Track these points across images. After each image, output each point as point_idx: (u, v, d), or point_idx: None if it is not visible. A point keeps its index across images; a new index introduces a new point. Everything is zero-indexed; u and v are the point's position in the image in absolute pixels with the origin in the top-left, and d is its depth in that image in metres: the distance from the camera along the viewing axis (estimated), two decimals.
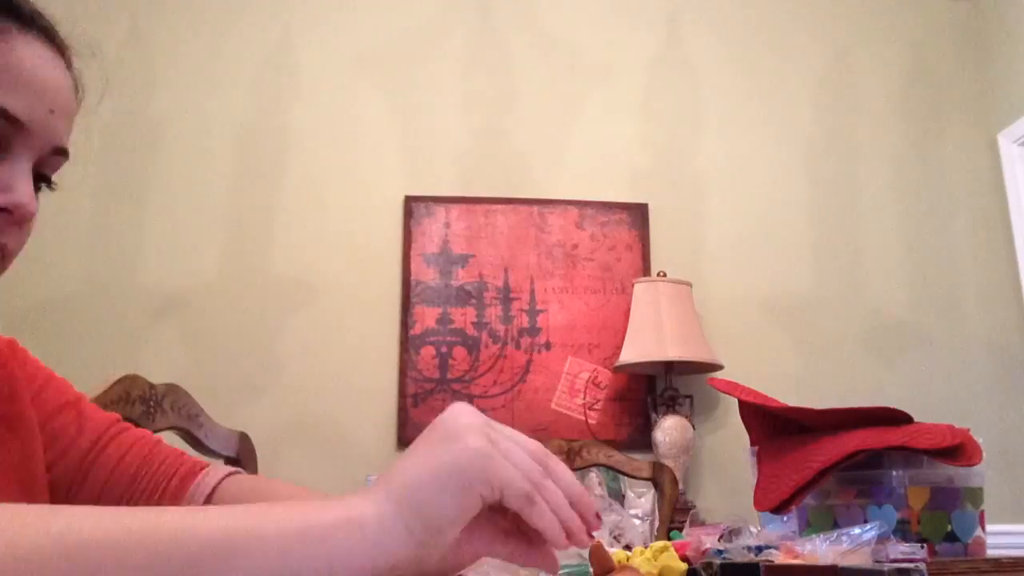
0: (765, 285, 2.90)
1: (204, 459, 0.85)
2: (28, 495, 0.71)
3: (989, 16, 3.17)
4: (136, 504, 0.77)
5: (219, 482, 0.80)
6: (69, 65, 0.67)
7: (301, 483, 2.46)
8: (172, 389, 1.25)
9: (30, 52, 0.62)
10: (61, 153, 0.66)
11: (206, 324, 2.70)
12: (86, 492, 0.77)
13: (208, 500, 0.79)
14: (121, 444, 0.80)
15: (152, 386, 1.21)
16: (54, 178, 0.67)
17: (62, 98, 0.65)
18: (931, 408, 2.60)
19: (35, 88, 0.62)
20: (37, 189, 0.65)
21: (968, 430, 1.00)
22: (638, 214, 2.91)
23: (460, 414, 0.51)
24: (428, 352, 2.74)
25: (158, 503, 0.78)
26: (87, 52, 0.70)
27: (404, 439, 2.65)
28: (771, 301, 2.90)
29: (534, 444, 0.53)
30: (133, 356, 2.61)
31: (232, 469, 0.82)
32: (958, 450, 0.95)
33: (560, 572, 0.78)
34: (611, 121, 3.02)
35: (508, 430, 0.52)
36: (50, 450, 0.76)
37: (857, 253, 2.97)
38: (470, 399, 2.70)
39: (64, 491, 0.76)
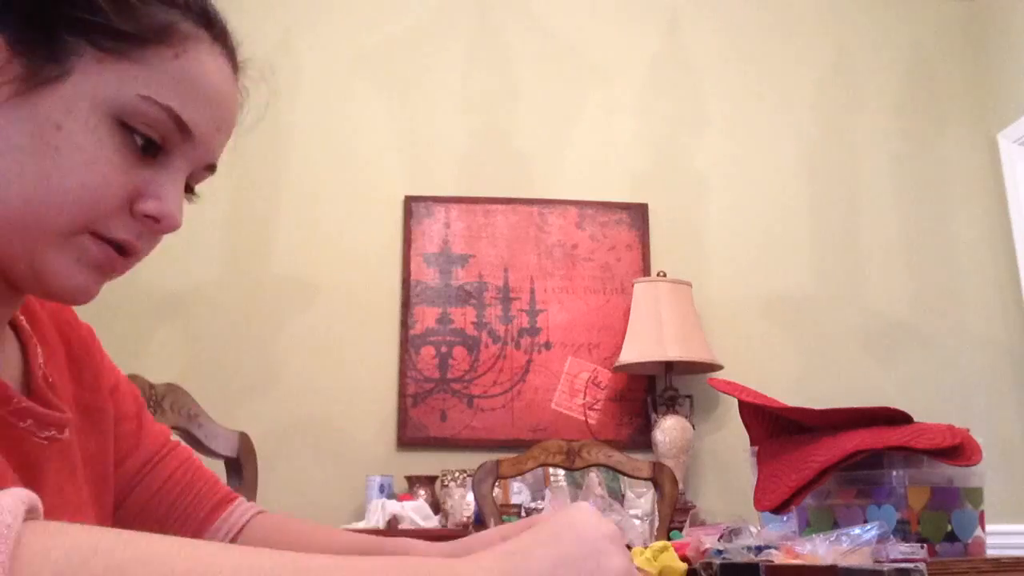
0: (765, 285, 2.90)
1: (234, 492, 0.85)
2: (98, 492, 0.70)
3: (989, 16, 3.17)
4: (171, 528, 0.78)
5: (248, 520, 0.80)
6: (238, 84, 0.68)
7: (301, 483, 2.48)
8: (172, 389, 1.25)
9: (215, 66, 0.63)
10: (211, 168, 0.67)
11: (206, 324, 2.70)
12: (127, 508, 0.77)
13: (236, 538, 0.79)
14: (168, 466, 0.79)
15: (152, 386, 1.21)
16: (212, 182, 0.68)
17: (230, 116, 0.66)
18: (931, 408, 2.60)
19: (211, 102, 0.62)
20: None
21: (968, 430, 1.00)
22: (638, 214, 2.91)
23: (614, 555, 0.46)
24: (428, 352, 2.74)
25: (190, 530, 0.78)
26: (257, 74, 0.71)
27: (404, 439, 2.65)
28: (771, 301, 2.90)
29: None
30: (133, 356, 2.61)
31: (258, 508, 0.82)
32: (958, 450, 0.95)
33: None
34: (611, 121, 3.02)
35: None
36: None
37: (857, 253, 2.97)
38: (470, 399, 2.70)
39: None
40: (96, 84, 0.57)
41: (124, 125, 0.58)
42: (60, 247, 0.57)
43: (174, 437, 0.84)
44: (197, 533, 0.79)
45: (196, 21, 0.62)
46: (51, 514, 0.40)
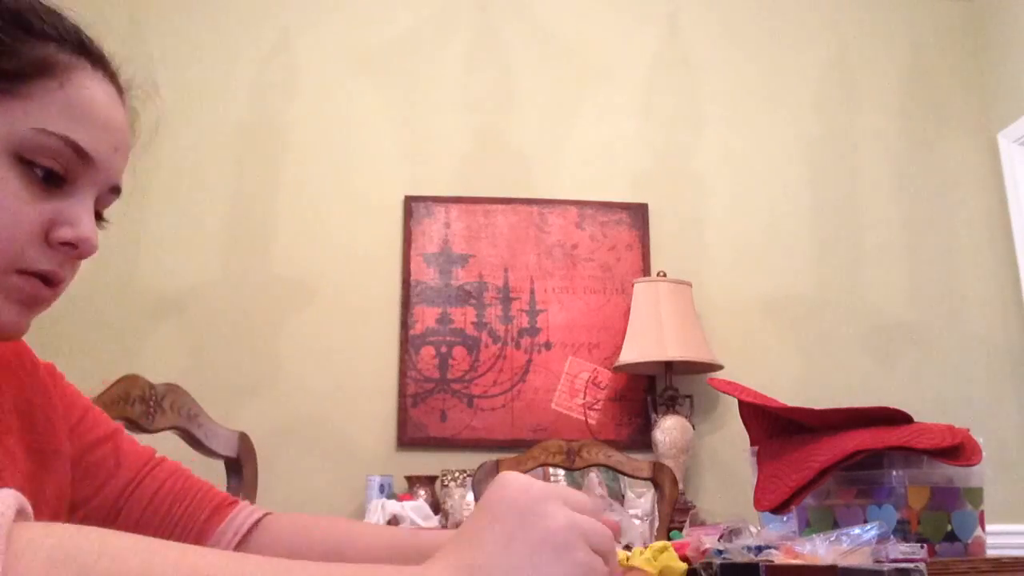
0: (765, 285, 2.90)
1: (233, 497, 0.84)
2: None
3: (989, 16, 3.17)
4: (172, 535, 0.77)
5: (255, 523, 0.80)
6: (126, 105, 0.70)
7: (301, 483, 2.47)
8: (172, 389, 1.25)
9: (100, 90, 0.65)
10: (116, 191, 0.69)
11: (206, 324, 2.70)
12: (121, 524, 0.76)
13: (243, 540, 0.79)
14: (156, 479, 0.80)
15: (152, 386, 1.21)
16: (109, 213, 0.70)
17: (123, 137, 0.67)
18: (931, 408, 2.60)
19: (103, 125, 0.64)
20: None
21: (968, 430, 1.00)
22: (638, 214, 2.91)
23: (552, 514, 0.47)
24: (428, 352, 2.74)
25: (193, 535, 0.78)
26: (142, 93, 0.73)
27: (404, 439, 2.65)
28: (771, 301, 2.90)
29: (586, 497, 0.51)
30: (133, 356, 2.61)
31: (265, 510, 0.82)
32: (958, 450, 0.95)
33: None
34: (611, 121, 3.02)
35: (577, 500, 0.50)
36: (86, 485, 0.76)
37: (857, 253, 2.97)
38: (470, 399, 2.70)
39: (99, 523, 0.76)
40: None
41: (23, 160, 0.59)
42: None
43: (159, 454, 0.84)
44: (198, 541, 0.78)
45: (73, 50, 0.64)
46: None
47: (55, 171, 0.61)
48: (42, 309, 0.64)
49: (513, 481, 0.49)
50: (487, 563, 0.45)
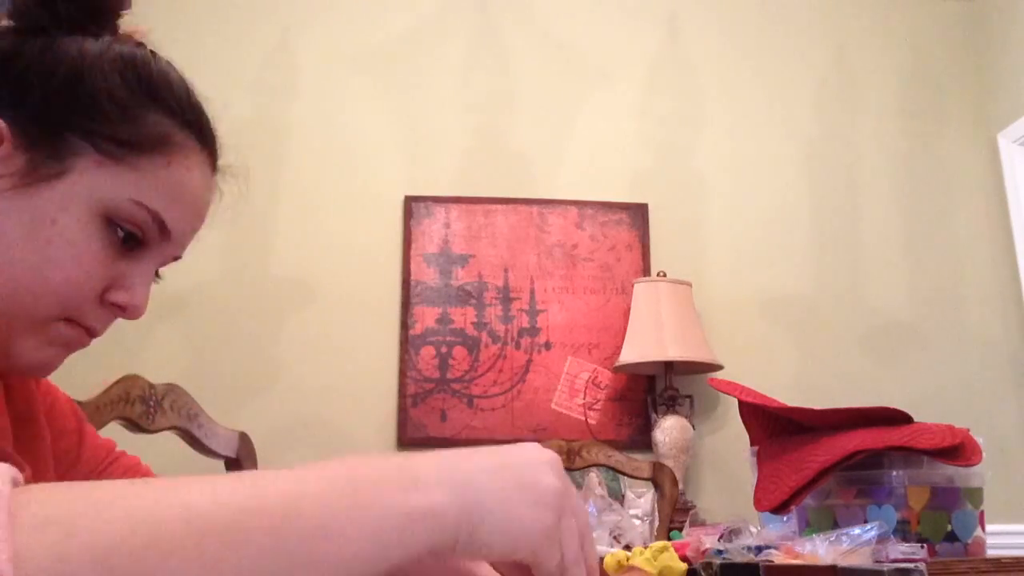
0: (765, 285, 2.90)
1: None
2: None
3: (989, 16, 3.17)
4: None
5: None
6: (214, 188, 0.73)
7: None
8: (172, 389, 1.25)
9: (200, 173, 0.67)
10: (176, 259, 0.72)
11: (206, 324, 2.70)
12: None
13: None
14: (113, 473, 0.80)
15: (152, 386, 1.21)
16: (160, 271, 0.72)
17: (204, 216, 0.71)
18: (931, 408, 2.60)
19: (192, 209, 0.67)
20: None
21: (968, 430, 1.00)
22: (638, 214, 2.91)
23: (552, 479, 0.49)
24: (428, 352, 2.74)
25: None
26: (230, 177, 0.76)
27: (404, 439, 2.65)
28: (771, 301, 2.90)
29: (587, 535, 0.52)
30: (133, 356, 2.61)
31: None
32: (958, 450, 0.95)
33: None
34: (611, 121, 3.02)
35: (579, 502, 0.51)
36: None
37: (857, 253, 2.97)
38: (470, 399, 2.70)
39: None
40: (92, 185, 0.60)
41: (111, 223, 0.61)
42: (35, 331, 0.61)
43: (119, 448, 0.84)
44: None
45: (189, 131, 0.66)
46: None
47: (135, 235, 0.63)
48: (74, 351, 0.66)
49: (531, 445, 0.51)
50: (465, 473, 0.46)
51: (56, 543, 0.34)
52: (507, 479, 0.47)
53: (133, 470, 0.82)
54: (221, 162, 0.73)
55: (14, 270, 0.58)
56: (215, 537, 0.38)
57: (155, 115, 0.63)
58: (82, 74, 0.60)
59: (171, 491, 0.39)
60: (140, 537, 0.36)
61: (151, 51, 0.67)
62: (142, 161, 0.62)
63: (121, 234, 0.62)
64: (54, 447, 0.77)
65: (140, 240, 0.63)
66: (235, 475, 0.42)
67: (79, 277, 0.60)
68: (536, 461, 0.49)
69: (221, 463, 1.38)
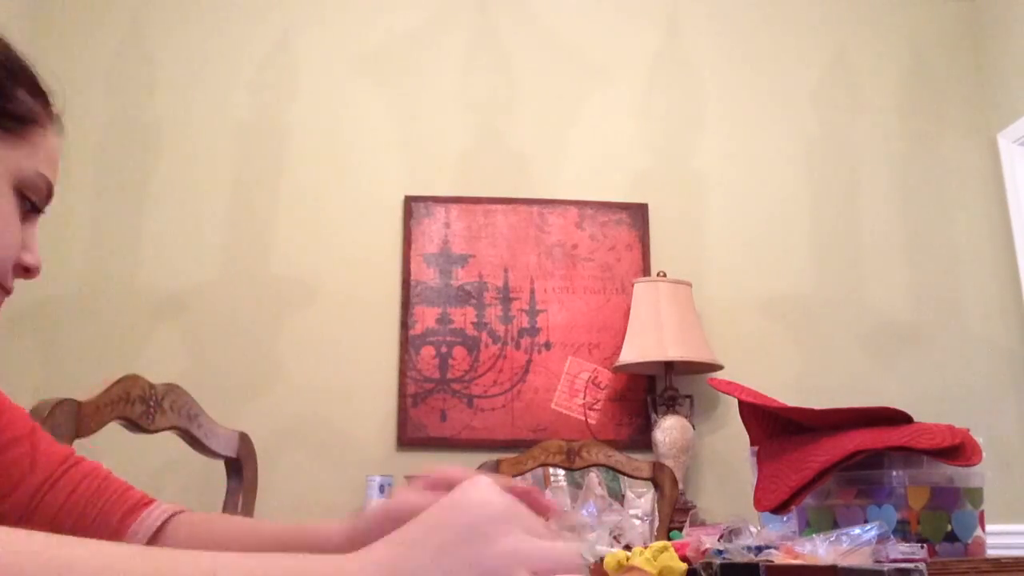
0: (765, 285, 2.90)
1: (148, 496, 0.85)
2: None
3: (989, 16, 3.17)
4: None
5: (165, 521, 0.80)
6: None
7: (301, 483, 2.47)
8: (172, 389, 1.25)
9: (56, 139, 0.74)
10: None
11: (206, 324, 2.70)
12: (33, 527, 0.76)
13: (154, 539, 0.78)
14: (71, 479, 0.79)
15: (152, 386, 1.21)
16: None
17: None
18: (931, 408, 2.60)
19: (57, 169, 0.74)
20: None
21: (968, 430, 1.00)
22: (638, 214, 2.91)
23: (498, 538, 0.45)
24: (428, 352, 2.74)
25: (105, 539, 0.78)
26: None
27: (404, 439, 2.65)
28: (771, 301, 2.90)
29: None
30: (133, 356, 2.61)
31: (177, 508, 0.82)
32: (958, 450, 0.95)
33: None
34: (611, 121, 3.02)
35: (534, 526, 0.47)
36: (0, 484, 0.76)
37: (857, 253, 2.97)
38: (470, 399, 2.70)
39: (12, 524, 0.76)
40: (7, 162, 0.68)
41: (20, 194, 0.69)
42: None
43: (79, 453, 0.83)
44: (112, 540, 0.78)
45: (40, 99, 0.72)
46: None
47: (37, 206, 0.71)
48: None
49: (481, 491, 0.47)
50: (410, 567, 0.43)
51: None
52: (447, 565, 0.43)
53: (92, 475, 0.81)
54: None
55: None
56: None
57: (21, 91, 0.69)
58: None
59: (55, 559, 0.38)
60: None
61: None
62: (33, 135, 0.69)
63: (28, 207, 0.70)
64: (3, 457, 0.76)
65: (39, 206, 0.71)
66: (154, 550, 0.43)
67: (9, 241, 0.68)
68: (477, 523, 0.45)
69: (221, 463, 1.38)
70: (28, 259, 0.71)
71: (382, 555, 0.44)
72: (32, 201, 0.70)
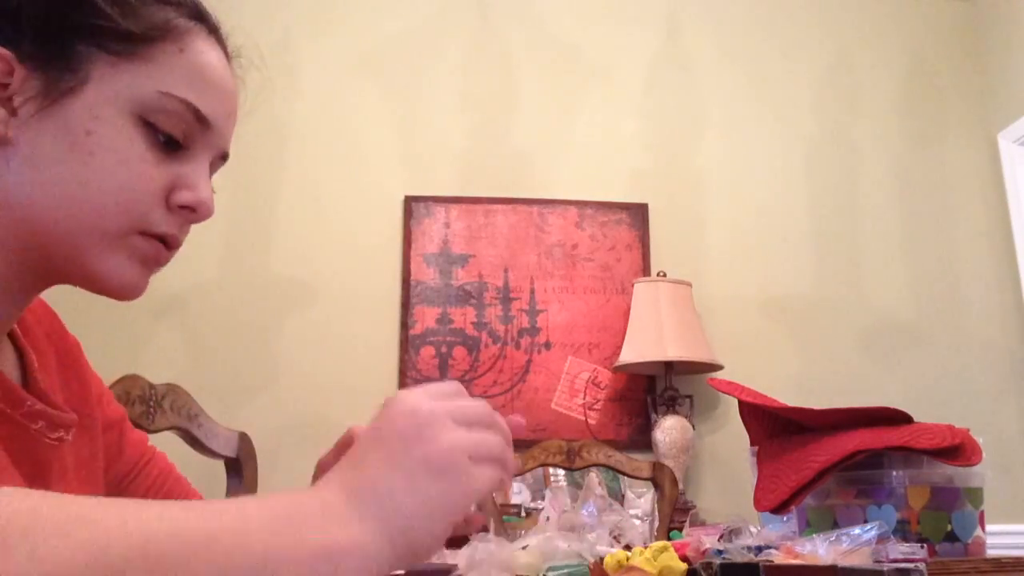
0: (765, 285, 2.90)
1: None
2: (90, 494, 0.72)
3: (989, 16, 3.17)
4: None
5: None
6: (234, 72, 0.71)
7: (301, 483, 2.45)
8: (172, 389, 1.25)
9: (216, 56, 0.67)
10: (224, 158, 0.70)
11: (206, 324, 2.70)
12: None
13: None
14: (149, 473, 0.82)
15: (152, 386, 1.21)
16: (213, 179, 0.70)
17: (235, 102, 0.69)
18: (931, 408, 2.60)
19: (220, 91, 0.66)
20: None
21: (968, 430, 1.00)
22: (638, 214, 2.91)
23: (434, 437, 0.47)
24: (428, 352, 2.74)
25: None
26: (248, 62, 0.75)
27: None
28: (771, 301, 2.90)
29: (480, 406, 0.52)
30: (133, 356, 2.61)
31: None
32: (958, 450, 0.95)
33: (560, 572, 0.78)
34: (611, 121, 3.02)
35: (459, 402, 0.51)
36: None
37: (857, 253, 2.97)
38: None
39: None
40: (115, 86, 0.59)
41: (147, 123, 0.61)
42: (112, 248, 0.61)
43: (151, 443, 0.85)
44: None
45: (190, 16, 0.65)
46: None
47: (175, 136, 0.62)
48: (157, 270, 0.66)
49: (401, 403, 0.50)
50: (371, 485, 0.46)
51: (19, 562, 0.35)
52: (409, 467, 0.46)
53: (164, 475, 0.83)
54: (232, 48, 0.73)
55: (67, 189, 0.58)
56: (166, 570, 0.38)
57: (153, 6, 0.63)
58: None
59: (132, 518, 0.39)
60: (100, 568, 0.36)
61: None
62: (155, 52, 0.61)
63: (163, 138, 0.61)
64: (103, 437, 0.77)
65: (182, 137, 0.63)
66: (187, 505, 0.43)
67: (132, 180, 0.60)
68: (416, 423, 0.48)
69: (221, 463, 1.38)
70: (184, 197, 0.63)
71: (342, 478, 0.47)
72: (168, 133, 0.61)
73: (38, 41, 0.58)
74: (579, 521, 1.03)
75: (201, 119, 0.63)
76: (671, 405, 2.63)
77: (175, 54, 0.62)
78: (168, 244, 0.65)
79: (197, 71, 0.63)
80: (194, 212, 0.65)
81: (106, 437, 0.77)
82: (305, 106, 2.92)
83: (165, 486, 0.82)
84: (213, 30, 0.68)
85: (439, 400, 0.50)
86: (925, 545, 0.78)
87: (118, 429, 0.80)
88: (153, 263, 0.65)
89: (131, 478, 0.79)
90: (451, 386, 0.53)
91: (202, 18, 0.67)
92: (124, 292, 0.64)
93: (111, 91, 0.59)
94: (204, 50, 0.65)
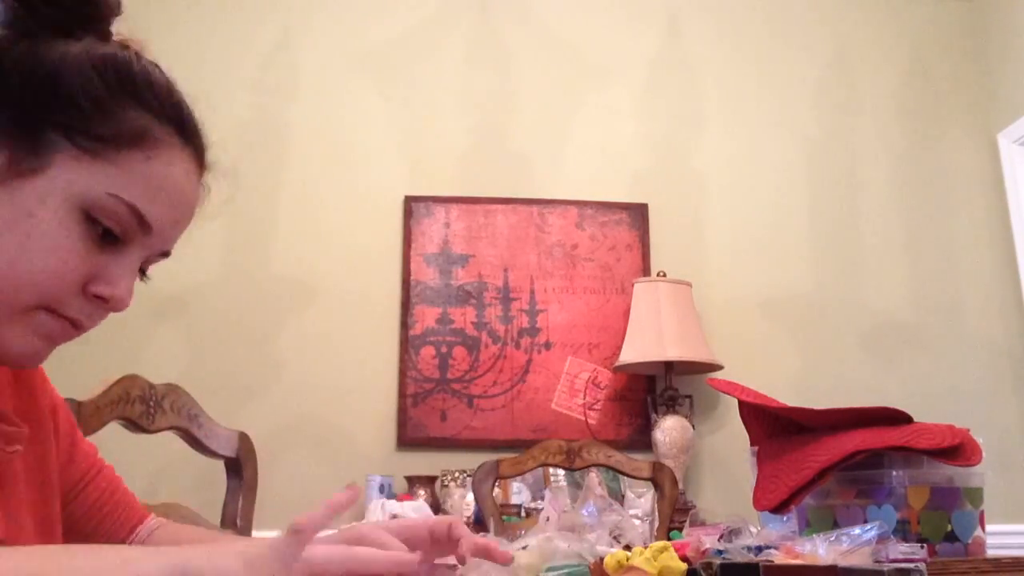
0: (765, 285, 2.90)
1: (146, 508, 0.89)
2: (41, 499, 0.73)
3: (989, 16, 3.17)
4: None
5: (147, 536, 0.85)
6: (202, 182, 0.73)
7: (301, 483, 2.47)
8: (172, 389, 1.25)
9: (182, 169, 0.68)
10: (165, 255, 0.73)
11: (206, 324, 2.70)
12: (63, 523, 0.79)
13: None
14: (98, 485, 0.83)
15: (152, 386, 1.21)
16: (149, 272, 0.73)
17: (189, 212, 0.71)
18: (931, 408, 2.60)
19: (173, 202, 0.67)
20: None
21: (968, 430, 1.00)
22: (638, 214, 2.91)
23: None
24: (428, 352, 2.74)
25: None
26: (219, 173, 0.77)
27: (404, 439, 2.65)
28: (771, 301, 2.90)
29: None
30: (133, 356, 2.61)
31: (161, 522, 0.87)
32: (958, 450, 0.95)
33: (560, 572, 0.78)
34: (611, 121, 3.02)
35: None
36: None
37: (857, 253, 2.97)
38: (470, 399, 2.70)
39: None
40: (70, 179, 0.61)
41: (89, 217, 0.62)
42: (17, 321, 0.62)
43: (100, 454, 0.86)
44: None
45: (169, 125, 0.67)
46: None
47: (114, 232, 0.63)
48: (61, 343, 0.67)
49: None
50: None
51: None
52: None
53: (110, 488, 0.84)
54: (209, 159, 0.74)
55: None
56: None
57: (134, 112, 0.64)
58: (60, 73, 0.61)
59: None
60: None
61: (135, 52, 0.69)
62: (120, 156, 0.62)
63: (100, 229, 0.63)
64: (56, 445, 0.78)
65: (120, 234, 0.64)
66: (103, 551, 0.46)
67: (56, 266, 0.61)
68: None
69: (221, 463, 1.38)
70: (101, 289, 0.65)
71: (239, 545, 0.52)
72: (107, 227, 0.63)
73: (15, 120, 0.60)
74: (579, 521, 1.03)
75: (143, 223, 0.64)
76: (671, 405, 2.63)
77: (141, 161, 0.64)
78: (74, 325, 0.66)
79: (157, 181, 0.65)
80: (106, 303, 0.66)
81: (61, 445, 0.79)
82: (305, 106, 2.92)
83: (112, 500, 0.83)
84: (190, 140, 0.69)
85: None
86: (925, 545, 0.78)
87: (69, 439, 0.81)
88: (60, 339, 0.66)
89: (81, 487, 0.81)
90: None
91: (181, 128, 0.68)
92: (20, 362, 0.64)
93: (64, 181, 0.61)
94: (172, 162, 0.66)
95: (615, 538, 1.04)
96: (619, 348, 2.69)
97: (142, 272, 0.72)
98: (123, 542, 0.83)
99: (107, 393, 1.12)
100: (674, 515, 1.81)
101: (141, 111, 0.64)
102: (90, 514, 0.81)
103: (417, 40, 3.02)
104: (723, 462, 2.73)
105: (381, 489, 2.45)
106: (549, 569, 0.78)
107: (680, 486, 2.31)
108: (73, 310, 0.64)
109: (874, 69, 3.15)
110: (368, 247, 2.82)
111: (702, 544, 0.78)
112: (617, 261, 2.87)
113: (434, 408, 2.69)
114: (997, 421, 2.82)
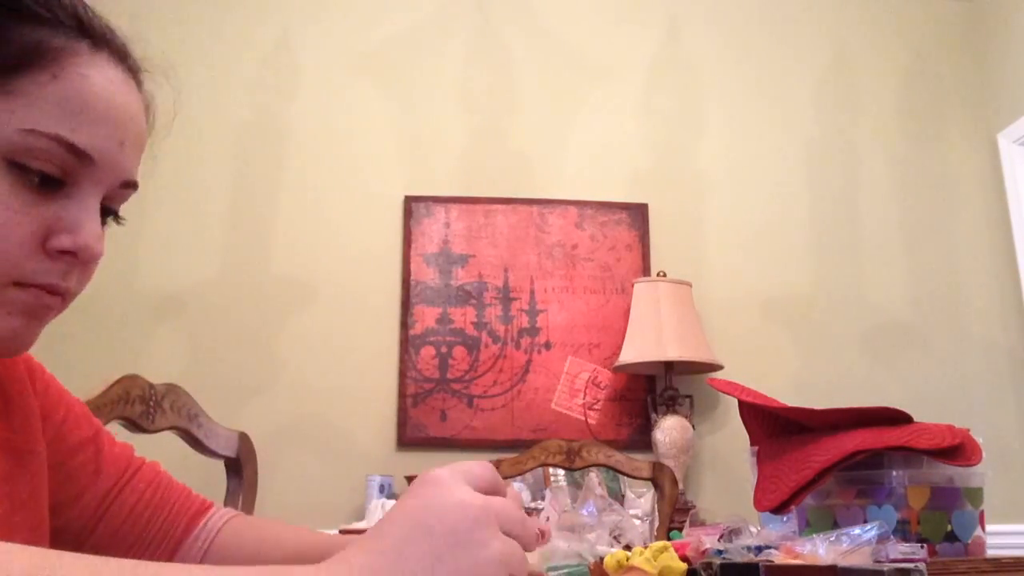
0: (765, 285, 2.90)
1: (207, 498, 0.83)
2: (35, 535, 0.66)
3: (989, 16, 3.17)
4: (148, 550, 0.76)
5: (222, 525, 0.79)
6: (140, 87, 0.62)
7: (301, 483, 2.48)
8: (172, 389, 1.25)
9: (102, 77, 0.57)
10: (130, 186, 0.61)
11: (206, 324, 2.70)
12: (99, 536, 0.74)
13: (212, 544, 0.78)
14: (135, 488, 0.77)
15: (152, 386, 1.21)
16: (121, 210, 0.63)
17: (134, 127, 0.60)
18: (931, 408, 2.60)
19: (105, 119, 0.57)
20: (103, 224, 0.61)
21: (968, 430, 1.00)
22: (638, 214, 2.91)
23: (486, 542, 0.44)
24: (428, 352, 2.74)
25: (168, 548, 0.77)
26: (159, 72, 0.66)
27: (404, 439, 2.65)
28: (771, 301, 2.90)
29: (517, 508, 0.48)
30: (133, 356, 2.61)
31: (233, 513, 0.81)
32: (958, 450, 0.95)
33: (560, 572, 0.78)
34: (611, 121, 3.02)
35: (504, 504, 0.47)
36: (65, 491, 0.72)
37: (857, 253, 2.97)
38: (470, 399, 2.70)
39: (76, 533, 0.73)
40: None
41: (15, 164, 0.53)
42: None
43: (139, 454, 0.81)
44: (175, 549, 0.77)
45: (69, 33, 0.56)
46: None
47: (52, 174, 0.54)
48: (50, 318, 0.59)
49: (451, 491, 0.45)
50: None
51: None
52: (453, 570, 0.42)
53: (156, 481, 0.79)
54: (136, 60, 0.63)
55: None
56: None
57: (20, 27, 0.54)
58: None
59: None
60: None
61: None
62: (20, 83, 0.53)
63: (35, 175, 0.54)
64: (70, 463, 0.73)
65: (59, 174, 0.55)
66: (184, 569, 0.41)
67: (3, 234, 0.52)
68: (467, 523, 0.44)
69: (221, 463, 1.38)
70: (62, 241, 0.55)
71: (361, 563, 0.43)
72: (42, 171, 0.54)
73: None
74: (579, 521, 1.03)
75: (79, 154, 0.55)
76: (671, 405, 2.63)
77: (46, 83, 0.54)
78: (51, 291, 0.57)
79: (74, 99, 0.54)
80: (75, 256, 0.57)
81: (79, 459, 0.73)
82: (305, 106, 2.92)
83: (156, 497, 0.78)
84: (101, 44, 0.58)
85: (482, 493, 0.46)
86: (925, 545, 0.78)
87: (93, 447, 0.75)
88: (36, 314, 0.57)
89: (115, 493, 0.75)
90: (488, 472, 0.48)
91: (85, 32, 0.57)
92: (4, 348, 0.56)
93: None
94: (85, 72, 0.56)
95: (615, 538, 1.04)
96: (619, 348, 2.69)
97: (115, 214, 0.63)
98: (181, 541, 0.77)
99: (107, 393, 1.12)
100: (674, 515, 1.81)
101: (29, 25, 0.54)
102: (134, 516, 0.75)
103: (417, 40, 3.02)
104: (723, 462, 2.73)
105: (381, 489, 2.45)
106: (549, 569, 0.78)
107: (680, 486, 2.31)
108: (41, 275, 0.55)
109: (874, 69, 3.15)
110: (368, 247, 2.82)
111: (702, 544, 0.78)
112: (617, 261, 2.87)
113: (434, 408, 2.69)
114: (997, 421, 2.82)
